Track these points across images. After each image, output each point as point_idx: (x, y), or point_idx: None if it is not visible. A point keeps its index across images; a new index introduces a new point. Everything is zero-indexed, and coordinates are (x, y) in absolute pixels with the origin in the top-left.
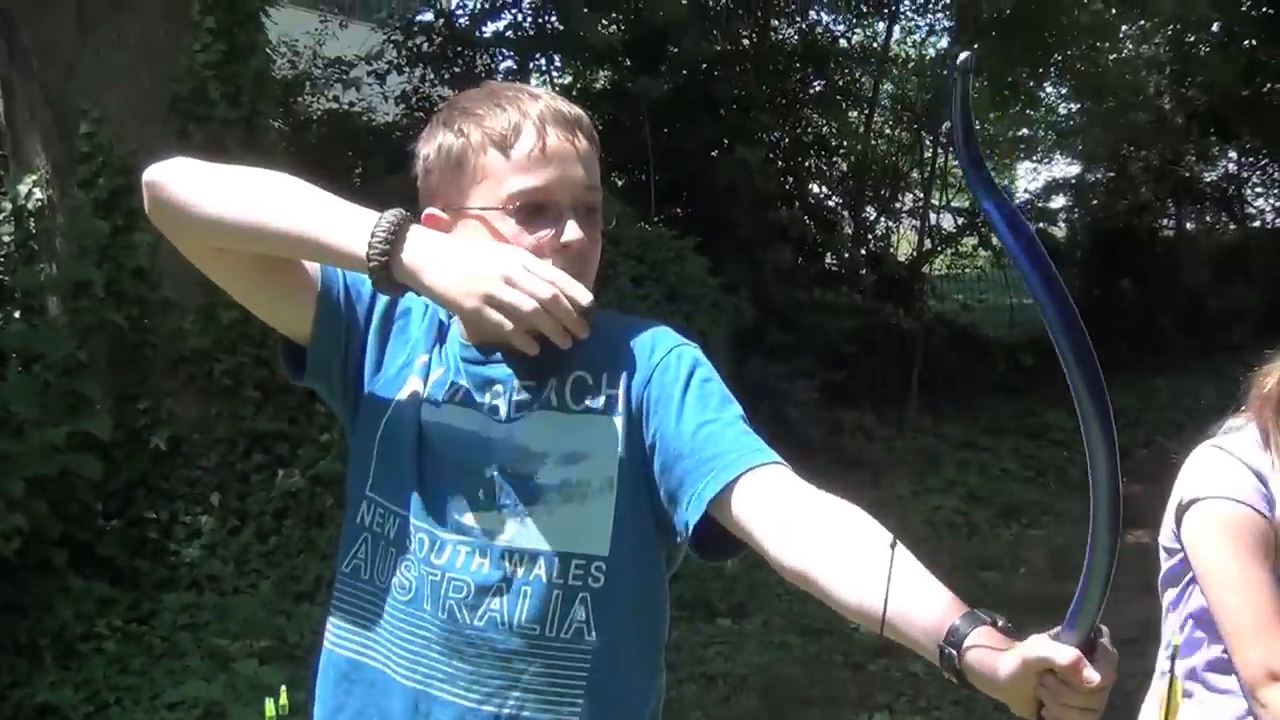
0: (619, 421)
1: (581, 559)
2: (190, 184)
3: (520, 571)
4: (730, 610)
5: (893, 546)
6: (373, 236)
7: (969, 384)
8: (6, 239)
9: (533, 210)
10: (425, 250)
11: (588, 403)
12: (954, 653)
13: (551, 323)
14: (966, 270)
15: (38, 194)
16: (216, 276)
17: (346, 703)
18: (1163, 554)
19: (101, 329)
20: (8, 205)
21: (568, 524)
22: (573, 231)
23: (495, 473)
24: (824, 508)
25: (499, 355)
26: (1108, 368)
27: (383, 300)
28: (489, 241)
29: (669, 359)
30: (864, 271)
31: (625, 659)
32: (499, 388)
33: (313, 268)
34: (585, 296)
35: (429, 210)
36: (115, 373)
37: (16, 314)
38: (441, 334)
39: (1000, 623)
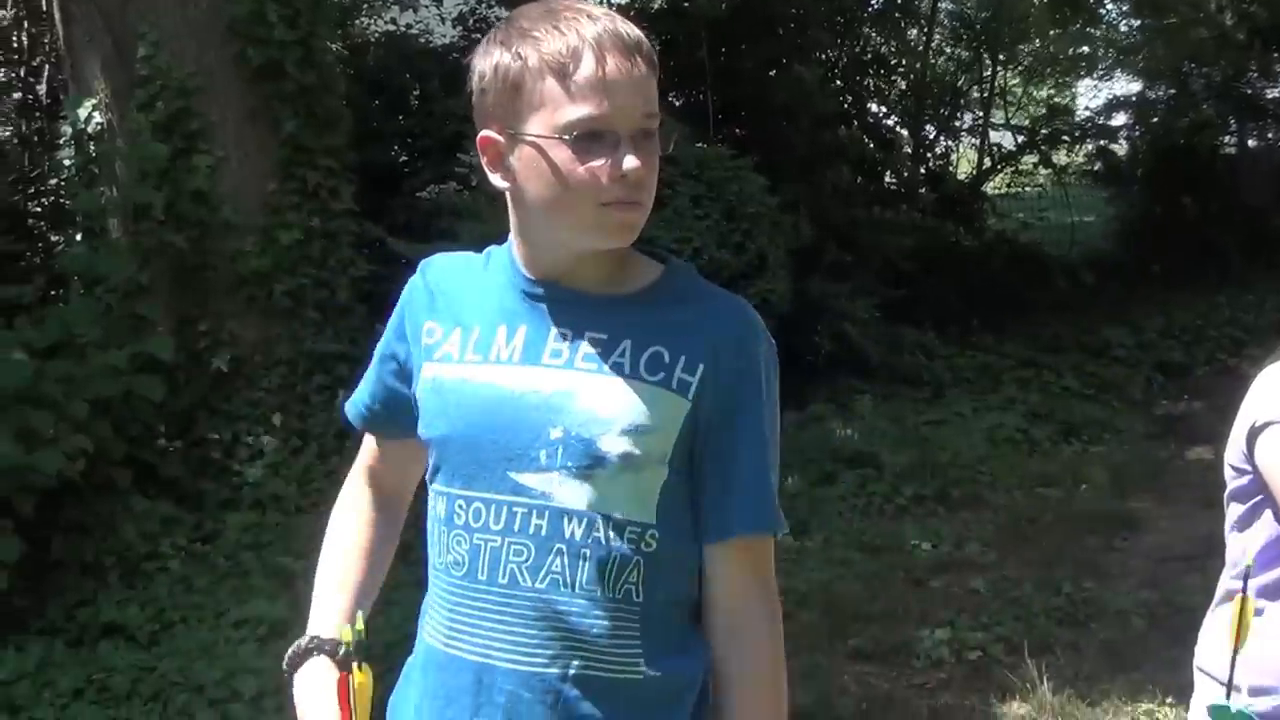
0: (686, 406)
1: (636, 525)
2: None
3: (579, 533)
4: (791, 527)
5: None
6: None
7: (1030, 302)
8: (67, 163)
9: (589, 139)
10: (297, 684)
11: (661, 377)
12: None
13: None
14: (1027, 188)
15: (97, 118)
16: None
17: (425, 687)
18: (1229, 471)
19: (162, 252)
20: (68, 129)
21: (624, 491)
22: (630, 161)
23: (560, 434)
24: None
25: (565, 293)
26: (1169, 284)
27: (401, 334)
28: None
29: (751, 370)
30: (923, 190)
31: (677, 621)
32: (564, 332)
33: (392, 453)
34: None
35: (484, 133)
36: (176, 295)
37: (78, 237)
38: (481, 289)
39: None
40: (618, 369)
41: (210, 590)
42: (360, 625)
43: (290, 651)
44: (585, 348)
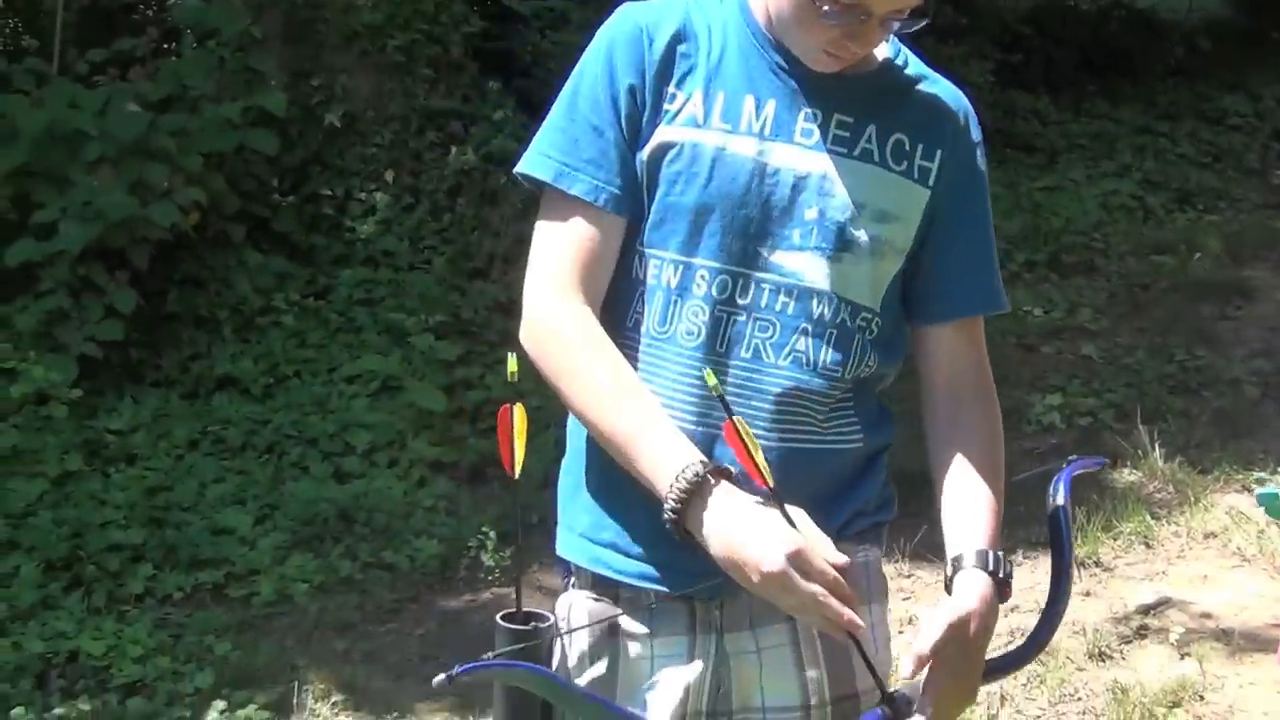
0: (926, 195)
1: (867, 311)
2: (551, 364)
3: (826, 314)
4: None
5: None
6: (671, 489)
7: (1145, 68)
8: None
9: (841, 9)
10: (709, 521)
11: (904, 167)
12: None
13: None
14: None
15: None
16: None
17: None
18: None
19: (275, 4)
20: None
21: (863, 276)
22: (862, 47)
23: (815, 215)
24: (977, 414)
25: (811, 70)
26: None
27: (635, 92)
28: (768, 527)
29: (976, 152)
30: None
31: (878, 395)
32: (814, 111)
33: (618, 238)
34: (856, 626)
35: None
36: (289, 49)
37: None
38: (717, 51)
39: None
40: (866, 155)
41: (323, 345)
42: (513, 367)
43: (676, 493)
44: (835, 130)
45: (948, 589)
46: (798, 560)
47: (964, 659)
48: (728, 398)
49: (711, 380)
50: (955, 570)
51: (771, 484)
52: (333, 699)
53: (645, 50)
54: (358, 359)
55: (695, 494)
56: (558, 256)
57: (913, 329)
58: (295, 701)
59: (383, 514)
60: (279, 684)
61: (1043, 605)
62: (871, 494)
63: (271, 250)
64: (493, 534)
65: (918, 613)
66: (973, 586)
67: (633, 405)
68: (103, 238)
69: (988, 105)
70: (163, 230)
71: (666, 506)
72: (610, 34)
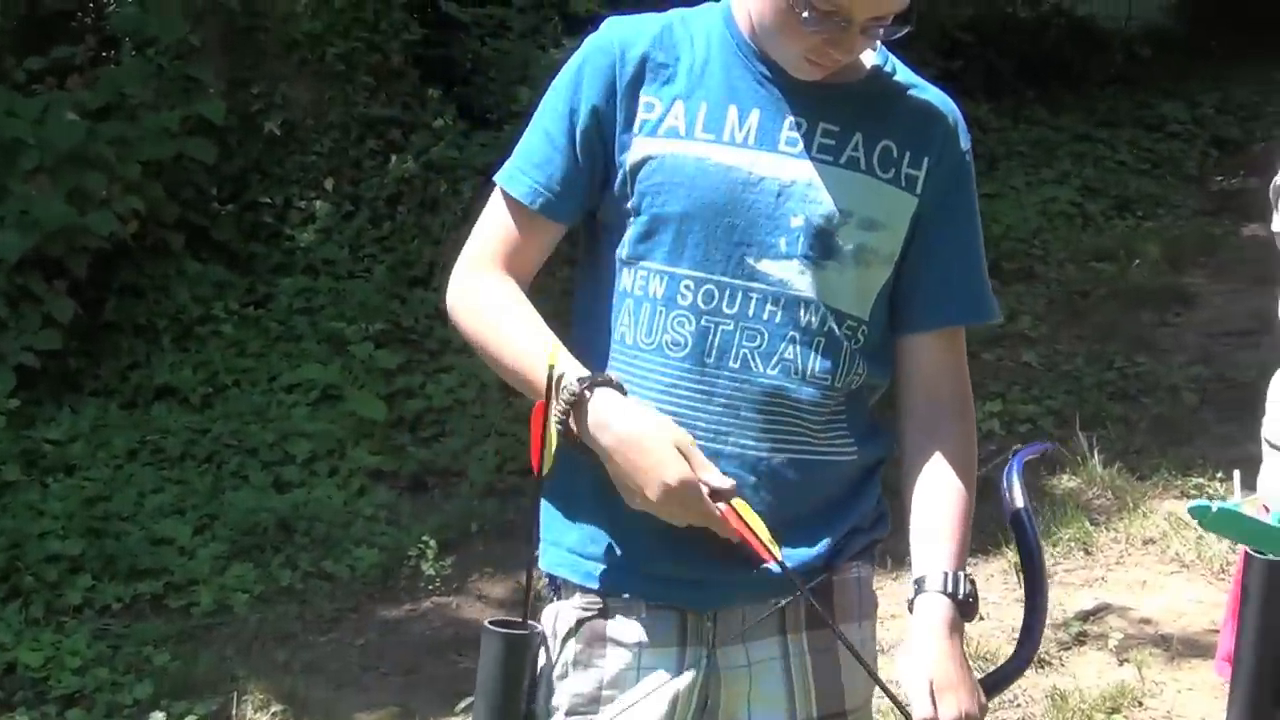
0: (913, 203)
1: (854, 320)
2: (464, 331)
3: (814, 322)
4: None
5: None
6: (553, 410)
7: (1085, 75)
8: None
9: (822, 15)
10: (594, 429)
11: (891, 174)
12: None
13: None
14: None
15: None
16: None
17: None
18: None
19: (214, 12)
20: None
21: (849, 285)
22: (845, 54)
23: (800, 222)
24: (952, 422)
25: (795, 79)
26: (1227, 59)
27: (603, 104)
28: (649, 441)
29: (966, 160)
30: None
31: (870, 407)
32: (799, 120)
33: (549, 237)
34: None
35: None
36: (228, 57)
37: None
38: (698, 62)
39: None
40: (853, 163)
41: (263, 354)
42: (553, 359)
43: (557, 414)
44: (820, 138)
45: (910, 608)
46: (683, 488)
47: (954, 688)
48: (717, 409)
49: (729, 484)
50: (917, 592)
51: (780, 558)
52: (273, 709)
53: (616, 63)
54: (297, 368)
55: (576, 409)
56: (479, 244)
57: (895, 337)
58: (235, 712)
59: (323, 523)
60: (219, 694)
61: (984, 615)
62: (868, 509)
63: (210, 259)
64: (433, 543)
65: None
66: (934, 612)
67: (520, 336)
68: (40, 246)
69: None
70: (101, 239)
71: (556, 420)
72: (586, 49)
